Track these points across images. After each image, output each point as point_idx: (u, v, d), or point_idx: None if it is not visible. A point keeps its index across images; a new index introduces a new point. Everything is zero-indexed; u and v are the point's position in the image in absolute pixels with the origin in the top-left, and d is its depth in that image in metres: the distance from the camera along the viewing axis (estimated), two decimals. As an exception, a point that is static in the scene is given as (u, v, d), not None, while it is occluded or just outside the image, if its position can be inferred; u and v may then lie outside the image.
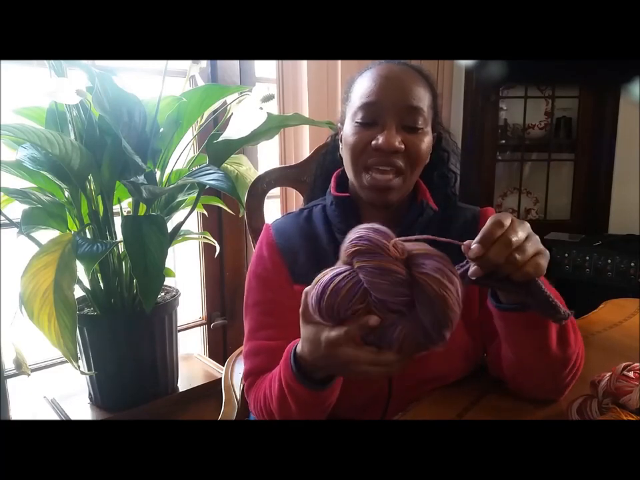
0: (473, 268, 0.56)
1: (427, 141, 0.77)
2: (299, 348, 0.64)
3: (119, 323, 1.27)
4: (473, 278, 0.56)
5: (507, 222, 0.56)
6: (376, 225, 0.56)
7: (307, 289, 0.58)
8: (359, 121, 0.76)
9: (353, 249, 0.54)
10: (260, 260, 0.83)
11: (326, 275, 0.56)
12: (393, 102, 0.74)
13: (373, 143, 0.74)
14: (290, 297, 0.75)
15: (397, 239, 0.55)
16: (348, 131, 0.78)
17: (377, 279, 0.53)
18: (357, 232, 0.55)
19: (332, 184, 0.84)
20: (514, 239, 0.55)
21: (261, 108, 1.18)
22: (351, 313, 0.55)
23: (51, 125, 1.19)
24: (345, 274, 0.55)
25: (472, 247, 0.56)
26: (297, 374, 0.64)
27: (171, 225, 1.29)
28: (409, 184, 0.78)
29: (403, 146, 0.74)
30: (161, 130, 1.25)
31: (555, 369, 0.69)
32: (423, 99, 0.76)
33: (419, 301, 0.53)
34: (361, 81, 0.78)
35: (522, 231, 0.57)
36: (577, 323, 0.71)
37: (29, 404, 1.39)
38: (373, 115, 0.75)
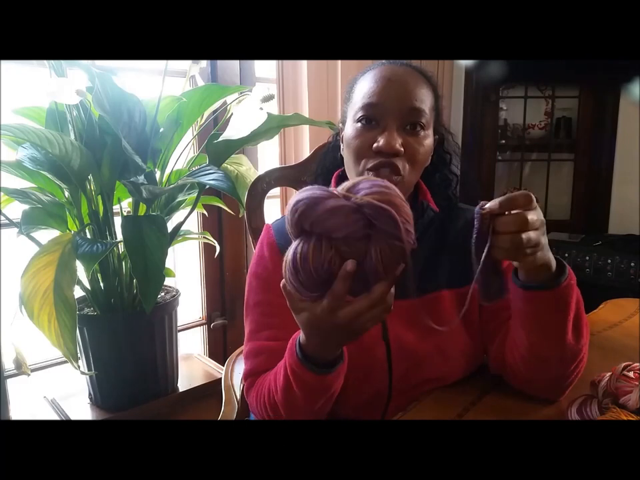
0: (491, 203, 0.60)
1: (427, 144, 0.77)
2: (302, 338, 0.65)
3: (118, 323, 1.26)
4: (486, 209, 0.60)
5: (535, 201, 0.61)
6: (302, 189, 0.57)
7: (282, 282, 0.59)
8: (360, 121, 0.76)
9: (297, 213, 0.56)
10: (260, 260, 0.83)
11: (287, 255, 0.58)
12: (394, 103, 0.74)
13: (374, 145, 0.73)
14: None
15: (331, 188, 0.58)
16: (349, 131, 0.78)
17: (330, 221, 0.55)
18: (292, 202, 0.57)
19: (332, 185, 0.84)
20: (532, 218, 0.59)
21: (261, 108, 1.18)
22: (327, 265, 0.56)
23: (50, 125, 1.19)
24: (301, 242, 0.57)
25: (491, 203, 0.60)
26: (303, 359, 0.64)
27: (170, 225, 1.29)
28: (409, 186, 0.78)
29: (402, 148, 0.73)
30: (161, 130, 1.25)
31: (565, 360, 0.69)
32: (425, 100, 0.76)
33: (373, 218, 0.55)
34: (363, 82, 0.78)
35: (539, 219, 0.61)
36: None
37: (29, 404, 1.38)
38: (374, 116, 0.75)
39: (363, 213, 0.55)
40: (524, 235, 0.59)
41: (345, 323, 0.58)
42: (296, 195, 0.57)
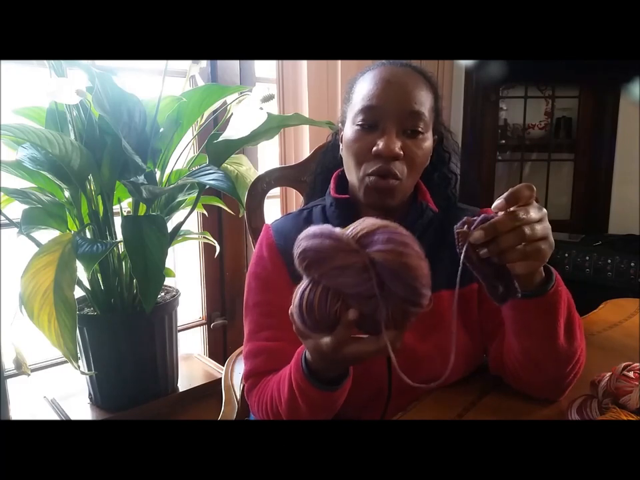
0: (476, 233, 0.56)
1: (426, 146, 0.77)
2: (308, 354, 0.64)
3: (118, 323, 1.27)
4: (473, 241, 0.56)
5: (533, 192, 0.59)
6: (311, 230, 0.55)
7: (290, 309, 0.59)
8: (359, 124, 0.75)
9: (304, 263, 0.54)
10: (260, 260, 0.83)
11: (296, 297, 0.57)
12: (394, 106, 0.73)
13: (374, 149, 0.73)
14: (290, 297, 0.75)
15: (337, 229, 0.55)
16: (348, 133, 0.78)
17: (340, 278, 0.53)
18: (300, 245, 0.55)
19: (331, 185, 0.84)
20: (529, 214, 0.57)
21: (261, 108, 1.18)
22: (333, 315, 0.55)
23: (50, 125, 1.19)
24: (309, 287, 0.56)
25: (496, 202, 0.58)
26: (309, 376, 0.64)
27: (170, 225, 1.29)
28: (409, 187, 0.78)
29: (402, 152, 0.73)
30: (161, 130, 1.25)
31: (560, 363, 0.69)
32: (425, 102, 0.76)
33: (385, 277, 0.53)
34: (363, 83, 0.78)
35: (538, 212, 0.58)
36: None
37: (29, 404, 1.38)
38: (374, 119, 0.74)
39: (375, 271, 0.53)
40: (528, 228, 0.56)
41: (349, 359, 0.59)
42: (304, 239, 0.54)
